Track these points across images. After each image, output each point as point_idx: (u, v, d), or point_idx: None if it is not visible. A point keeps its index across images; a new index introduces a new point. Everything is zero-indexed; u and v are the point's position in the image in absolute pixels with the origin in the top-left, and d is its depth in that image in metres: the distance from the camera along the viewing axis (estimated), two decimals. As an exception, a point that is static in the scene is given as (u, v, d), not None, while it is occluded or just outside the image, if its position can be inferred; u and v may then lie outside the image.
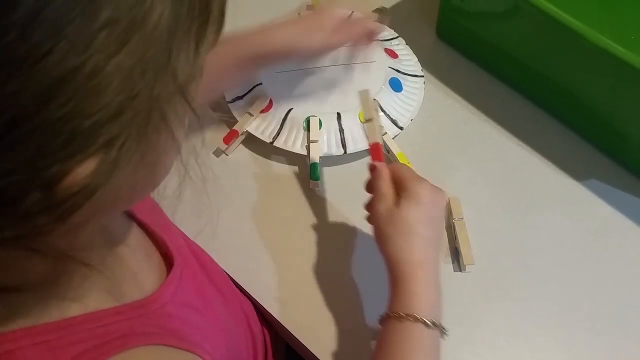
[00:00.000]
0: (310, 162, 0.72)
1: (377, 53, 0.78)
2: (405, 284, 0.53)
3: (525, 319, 0.66)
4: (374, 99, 0.74)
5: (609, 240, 0.71)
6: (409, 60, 0.82)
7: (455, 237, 0.70)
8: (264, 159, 0.77)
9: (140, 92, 0.29)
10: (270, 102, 0.75)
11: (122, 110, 0.28)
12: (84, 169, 0.29)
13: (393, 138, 0.75)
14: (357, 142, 0.73)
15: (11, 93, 0.25)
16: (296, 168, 0.76)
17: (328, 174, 0.75)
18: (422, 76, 0.81)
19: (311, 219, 0.73)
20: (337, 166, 0.76)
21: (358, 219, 0.71)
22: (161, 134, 0.32)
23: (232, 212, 0.72)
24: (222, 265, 0.67)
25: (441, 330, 0.52)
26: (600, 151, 0.77)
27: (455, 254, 0.70)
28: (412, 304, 0.52)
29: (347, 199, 0.73)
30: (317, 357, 0.64)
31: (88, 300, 0.39)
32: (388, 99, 0.76)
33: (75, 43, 0.26)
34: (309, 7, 0.84)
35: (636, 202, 0.73)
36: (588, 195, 0.74)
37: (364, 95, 0.62)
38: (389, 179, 0.58)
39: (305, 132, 0.73)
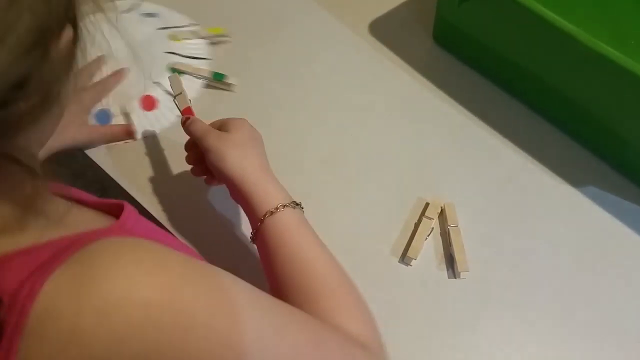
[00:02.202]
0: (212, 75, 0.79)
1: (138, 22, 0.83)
2: (259, 190, 0.59)
3: (518, 326, 0.65)
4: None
5: (606, 247, 0.70)
6: (194, 44, 0.85)
7: (450, 243, 0.69)
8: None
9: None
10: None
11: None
12: (67, 35, 0.39)
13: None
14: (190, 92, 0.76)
15: None
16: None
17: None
18: (210, 59, 0.84)
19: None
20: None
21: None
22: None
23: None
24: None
25: (295, 205, 0.59)
26: (598, 158, 0.76)
27: (450, 261, 0.69)
28: (271, 201, 0.58)
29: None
30: None
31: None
32: (182, 49, 0.81)
33: None
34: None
35: (634, 209, 0.73)
36: (585, 202, 0.73)
37: (173, 79, 0.70)
38: (202, 122, 0.65)
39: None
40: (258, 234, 0.58)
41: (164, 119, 0.78)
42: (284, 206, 0.58)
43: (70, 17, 0.40)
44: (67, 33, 0.40)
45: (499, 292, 0.68)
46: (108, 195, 0.54)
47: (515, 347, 0.64)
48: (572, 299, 0.67)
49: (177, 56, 0.81)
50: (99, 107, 0.77)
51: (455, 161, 0.76)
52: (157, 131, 0.77)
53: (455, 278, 0.68)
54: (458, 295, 0.67)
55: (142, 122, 0.77)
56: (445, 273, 0.69)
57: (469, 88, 0.82)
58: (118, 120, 0.77)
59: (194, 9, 0.87)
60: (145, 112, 0.77)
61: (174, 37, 0.82)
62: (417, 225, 0.71)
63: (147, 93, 0.78)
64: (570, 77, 0.73)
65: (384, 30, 0.87)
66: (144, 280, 0.38)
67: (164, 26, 0.83)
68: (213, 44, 0.85)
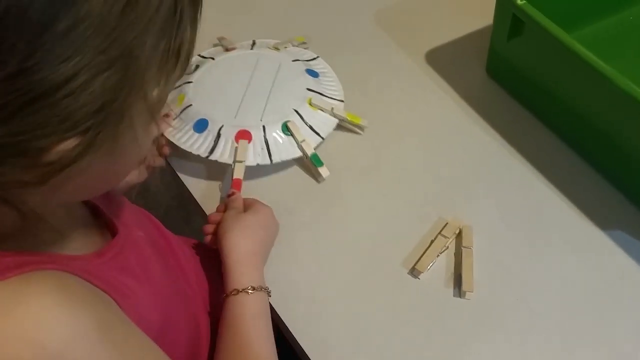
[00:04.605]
0: (310, 155, 0.78)
1: (298, 74, 0.84)
2: (237, 268, 0.63)
3: (512, 354, 0.66)
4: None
5: (622, 292, 0.69)
6: (330, 80, 0.86)
7: (461, 263, 0.71)
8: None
9: (117, 101, 0.38)
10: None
11: (102, 109, 0.37)
12: (68, 144, 0.37)
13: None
14: (282, 152, 0.78)
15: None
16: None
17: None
18: (342, 100, 0.85)
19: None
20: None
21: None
22: (126, 138, 0.41)
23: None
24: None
25: (265, 291, 0.64)
26: (631, 203, 0.75)
27: (458, 280, 0.71)
28: (242, 283, 0.62)
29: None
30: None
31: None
32: (308, 114, 0.81)
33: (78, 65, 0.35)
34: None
35: (660, 259, 0.71)
36: (609, 244, 0.72)
37: (242, 145, 0.77)
38: (242, 200, 0.73)
39: (288, 136, 0.79)
40: (223, 305, 0.62)
41: (246, 154, 0.77)
42: (252, 289, 0.62)
43: (81, 131, 0.37)
44: (69, 143, 0.37)
45: (500, 319, 0.68)
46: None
47: (504, 371, 0.65)
48: (575, 337, 0.66)
49: (299, 119, 0.80)
50: (200, 116, 0.79)
51: (485, 188, 0.78)
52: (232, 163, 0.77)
53: (460, 297, 0.70)
54: (459, 314, 0.69)
55: (226, 149, 0.78)
56: (451, 291, 0.70)
57: (514, 122, 0.84)
58: (208, 135, 0.78)
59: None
60: (234, 142, 0.78)
61: (310, 103, 0.82)
62: (432, 242, 0.74)
63: (249, 129, 0.78)
64: (611, 120, 0.73)
65: (440, 59, 0.91)
66: (48, 324, 0.39)
67: (313, 89, 0.83)
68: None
